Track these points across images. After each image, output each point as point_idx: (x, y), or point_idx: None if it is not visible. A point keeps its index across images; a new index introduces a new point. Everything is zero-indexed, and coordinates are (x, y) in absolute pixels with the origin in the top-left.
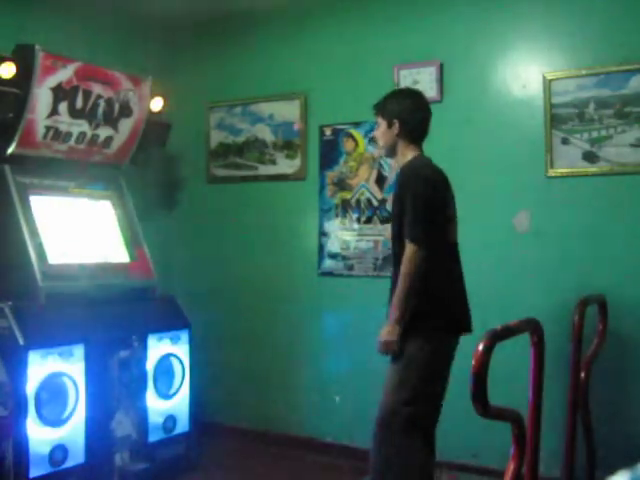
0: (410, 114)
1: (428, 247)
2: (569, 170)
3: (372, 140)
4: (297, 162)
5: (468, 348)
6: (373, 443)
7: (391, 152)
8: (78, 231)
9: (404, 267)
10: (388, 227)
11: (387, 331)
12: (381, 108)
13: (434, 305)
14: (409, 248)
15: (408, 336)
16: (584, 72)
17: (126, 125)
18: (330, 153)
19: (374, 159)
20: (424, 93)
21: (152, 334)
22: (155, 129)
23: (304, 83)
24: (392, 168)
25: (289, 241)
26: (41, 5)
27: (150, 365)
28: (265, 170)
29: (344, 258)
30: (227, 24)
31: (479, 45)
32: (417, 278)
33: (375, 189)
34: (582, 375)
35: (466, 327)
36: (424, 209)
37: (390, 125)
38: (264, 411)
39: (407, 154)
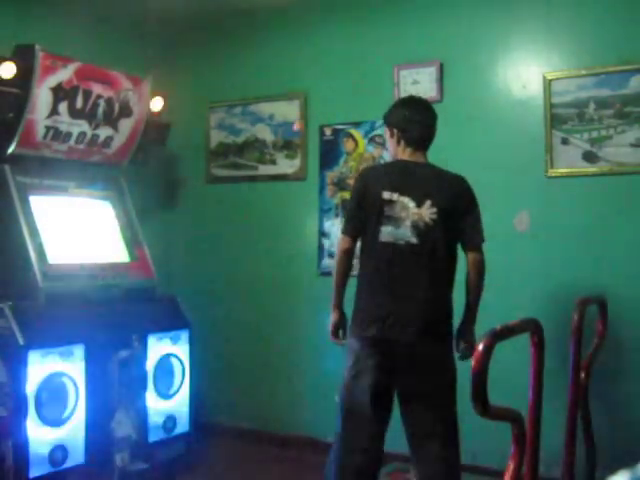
0: (405, 122)
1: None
2: (569, 170)
3: (372, 140)
4: (297, 162)
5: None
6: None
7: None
8: (78, 231)
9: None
10: None
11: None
12: (385, 117)
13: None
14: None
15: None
16: (584, 72)
17: (126, 125)
18: (330, 153)
19: (374, 159)
20: (424, 96)
21: (152, 334)
22: (155, 129)
23: (304, 83)
24: None
25: (289, 241)
26: (41, 5)
27: (150, 365)
28: (265, 170)
29: None
30: (227, 24)
31: (479, 45)
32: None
33: None
34: (582, 375)
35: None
36: (354, 205)
37: (392, 134)
38: (264, 411)
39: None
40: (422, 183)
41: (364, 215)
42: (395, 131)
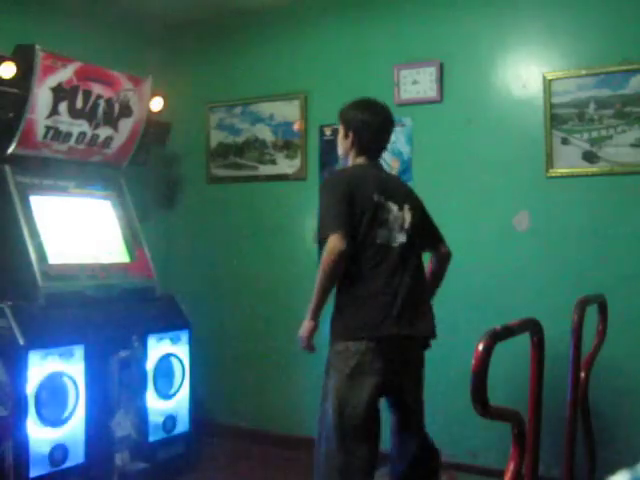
0: (363, 128)
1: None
2: (569, 170)
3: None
4: (297, 162)
5: (468, 348)
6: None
7: (345, 159)
8: (78, 231)
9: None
10: None
11: None
12: (341, 115)
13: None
14: (328, 241)
15: None
16: (584, 72)
17: (126, 125)
18: (330, 153)
19: None
20: (424, 96)
21: (152, 334)
22: (155, 129)
23: (304, 83)
24: (391, 168)
25: (289, 241)
26: (41, 5)
27: (150, 365)
28: (265, 170)
29: None
30: (227, 24)
31: (479, 45)
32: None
33: None
34: (582, 375)
35: None
36: (340, 206)
37: (346, 135)
38: (264, 411)
39: (354, 163)
40: (395, 187)
41: (355, 217)
42: (350, 133)
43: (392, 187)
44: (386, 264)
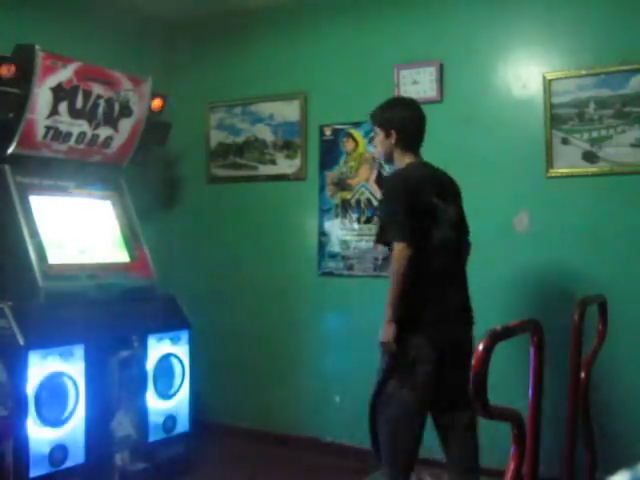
0: (406, 124)
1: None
2: (569, 170)
3: (372, 140)
4: (297, 162)
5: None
6: None
7: (389, 159)
8: (78, 231)
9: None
10: None
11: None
12: (378, 118)
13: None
14: (395, 248)
15: None
16: (584, 72)
17: (126, 125)
18: (330, 153)
19: (374, 159)
20: (424, 96)
21: (152, 334)
22: (155, 129)
23: (304, 83)
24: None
25: (289, 241)
26: (41, 5)
27: (150, 365)
28: (265, 170)
29: (344, 258)
30: (227, 24)
31: (479, 45)
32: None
33: (375, 189)
34: (582, 375)
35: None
36: (408, 212)
37: (388, 135)
38: (264, 411)
39: (404, 161)
40: (448, 187)
41: (415, 220)
42: (393, 132)
43: (446, 188)
44: (443, 265)
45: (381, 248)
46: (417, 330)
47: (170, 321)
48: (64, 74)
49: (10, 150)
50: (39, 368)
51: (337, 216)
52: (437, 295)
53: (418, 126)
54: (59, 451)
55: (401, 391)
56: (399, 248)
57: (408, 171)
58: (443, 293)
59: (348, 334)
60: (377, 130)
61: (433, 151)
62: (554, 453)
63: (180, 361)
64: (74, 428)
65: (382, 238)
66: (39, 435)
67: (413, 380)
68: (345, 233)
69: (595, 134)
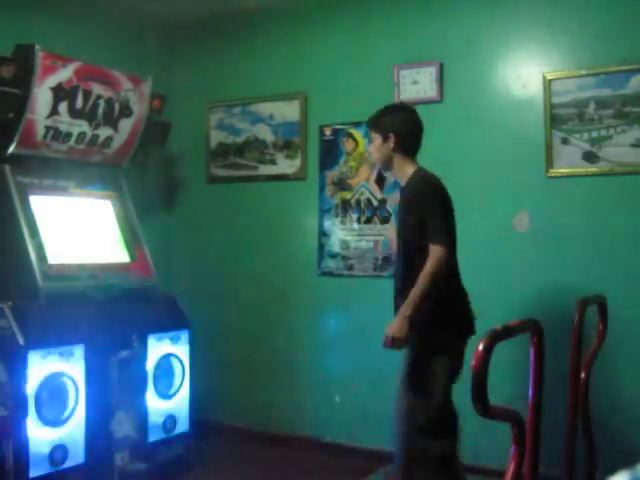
0: (405, 128)
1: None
2: (569, 170)
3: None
4: (297, 162)
5: (468, 348)
6: None
7: (387, 165)
8: (78, 231)
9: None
10: (388, 227)
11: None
12: (375, 123)
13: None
14: (437, 251)
15: None
16: (584, 72)
17: (126, 125)
18: (330, 153)
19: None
20: (424, 96)
21: (152, 334)
22: (155, 129)
23: (304, 83)
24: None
25: (289, 241)
26: (41, 5)
27: (150, 365)
28: (265, 170)
29: (344, 258)
30: (227, 24)
31: (479, 45)
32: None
33: (375, 189)
34: (582, 375)
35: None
36: (445, 216)
37: (386, 139)
38: (264, 411)
39: (406, 167)
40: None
41: (449, 224)
42: (392, 136)
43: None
44: (457, 266)
45: (381, 248)
46: (448, 321)
47: (170, 321)
48: (64, 74)
49: (10, 150)
50: (39, 368)
51: (337, 216)
52: (460, 290)
53: (417, 130)
54: (59, 451)
55: (434, 367)
56: (441, 251)
57: (430, 176)
58: (462, 288)
59: (348, 334)
60: (374, 136)
61: (433, 151)
62: (554, 453)
63: (180, 361)
64: (74, 428)
65: (421, 242)
66: (39, 435)
67: (445, 360)
68: (345, 233)
69: (595, 134)
